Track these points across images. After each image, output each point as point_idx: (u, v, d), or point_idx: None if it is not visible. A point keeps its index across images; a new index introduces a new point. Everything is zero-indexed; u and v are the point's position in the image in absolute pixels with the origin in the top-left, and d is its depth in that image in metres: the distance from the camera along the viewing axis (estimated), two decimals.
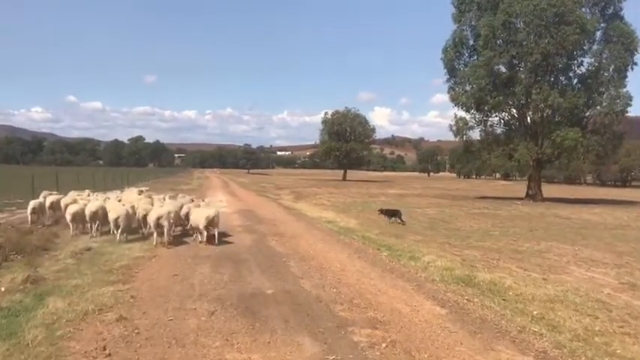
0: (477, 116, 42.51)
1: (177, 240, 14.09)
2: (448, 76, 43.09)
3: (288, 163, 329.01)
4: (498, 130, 43.55)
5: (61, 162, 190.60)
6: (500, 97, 38.67)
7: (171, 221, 13.76)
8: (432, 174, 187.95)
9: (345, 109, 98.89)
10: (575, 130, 35.66)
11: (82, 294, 7.88)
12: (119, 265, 10.23)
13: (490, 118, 42.78)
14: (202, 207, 15.07)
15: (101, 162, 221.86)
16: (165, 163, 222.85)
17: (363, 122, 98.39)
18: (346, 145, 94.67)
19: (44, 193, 18.36)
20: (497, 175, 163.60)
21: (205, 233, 13.54)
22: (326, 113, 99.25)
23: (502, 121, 43.28)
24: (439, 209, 27.96)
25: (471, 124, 42.66)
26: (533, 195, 40.53)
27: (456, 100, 41.57)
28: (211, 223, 13.38)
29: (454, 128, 42.98)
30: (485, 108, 41.03)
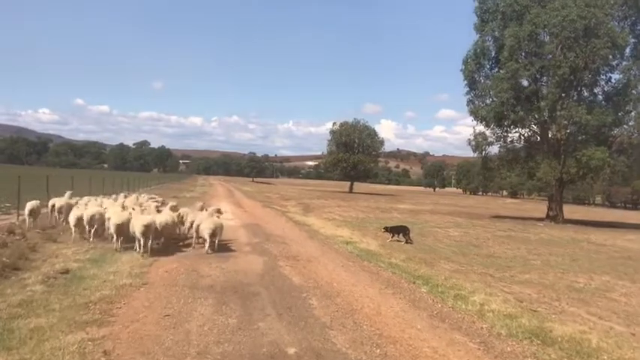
0: (497, 131, 40.50)
1: (175, 256, 12.02)
2: (468, 89, 41.10)
3: (293, 172, 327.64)
4: (518, 147, 41.46)
5: (66, 164, 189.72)
6: (522, 112, 36.65)
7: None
8: (437, 189, 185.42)
9: (354, 120, 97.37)
10: (602, 150, 33.54)
11: (38, 346, 5.81)
12: (99, 297, 8.17)
13: (510, 134, 40.75)
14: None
15: (106, 165, 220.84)
16: (170, 169, 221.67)
17: (371, 134, 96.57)
18: (354, 157, 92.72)
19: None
20: (505, 193, 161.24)
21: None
22: (334, 124, 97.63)
23: (522, 138, 41.23)
24: (461, 230, 25.81)
25: (490, 139, 40.71)
26: (554, 216, 38.26)
27: (475, 114, 39.54)
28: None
29: (473, 143, 40.94)
30: (506, 123, 39.04)
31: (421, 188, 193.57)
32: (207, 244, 13.31)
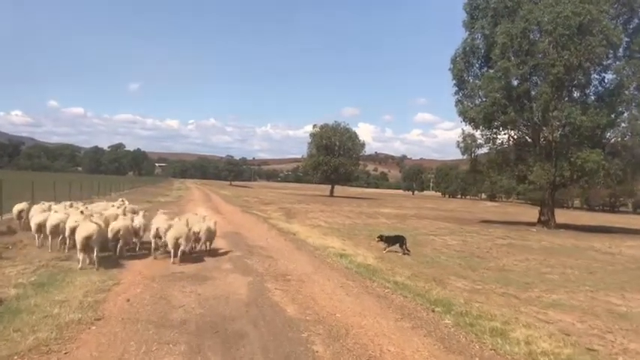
0: (486, 133, 39.02)
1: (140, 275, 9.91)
2: (457, 88, 39.63)
3: (271, 176, 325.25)
4: (508, 149, 40.06)
5: (38, 167, 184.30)
6: (514, 113, 35.17)
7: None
8: (416, 192, 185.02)
9: (335, 122, 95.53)
10: (597, 152, 32.27)
11: None
12: (31, 344, 6.05)
13: (499, 136, 39.31)
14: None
15: (80, 169, 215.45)
16: (146, 172, 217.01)
17: (352, 137, 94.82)
18: (335, 160, 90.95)
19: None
20: (483, 196, 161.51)
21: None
22: (314, 126, 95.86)
23: (512, 140, 39.86)
24: (458, 237, 24.11)
25: (479, 141, 39.26)
26: (546, 221, 36.90)
27: (464, 115, 38.01)
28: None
29: (462, 145, 39.47)
30: (495, 124, 37.64)
31: (400, 191, 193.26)
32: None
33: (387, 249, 16.88)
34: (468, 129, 39.23)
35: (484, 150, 40.79)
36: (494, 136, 39.06)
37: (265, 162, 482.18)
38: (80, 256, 10.88)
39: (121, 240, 12.25)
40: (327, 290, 10.12)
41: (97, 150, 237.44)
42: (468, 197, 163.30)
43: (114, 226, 12.19)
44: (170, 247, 11.95)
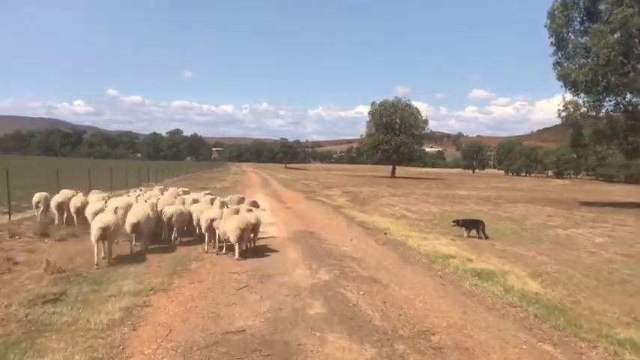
0: (590, 99, 32.51)
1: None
2: (555, 48, 33.23)
3: (325, 157, 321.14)
4: (615, 118, 33.40)
5: (100, 155, 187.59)
6: (633, 73, 28.64)
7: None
8: (476, 171, 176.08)
9: (395, 98, 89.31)
10: None
11: None
12: None
13: (606, 103, 32.75)
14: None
15: (139, 155, 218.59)
16: (203, 157, 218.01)
17: (414, 113, 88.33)
18: (396, 139, 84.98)
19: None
20: (550, 173, 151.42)
21: None
22: (373, 103, 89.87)
23: (621, 107, 33.17)
24: (588, 229, 18.51)
25: (583, 109, 32.84)
26: None
27: (564, 78, 31.64)
28: None
29: (563, 114, 33.15)
30: (597, 89, 31.10)
31: (459, 170, 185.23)
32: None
33: (466, 235, 15.39)
34: (569, 96, 32.93)
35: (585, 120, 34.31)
36: (600, 103, 32.59)
37: (318, 144, 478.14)
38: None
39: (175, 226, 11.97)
40: None
41: (155, 136, 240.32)
42: (532, 175, 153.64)
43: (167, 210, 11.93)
44: (233, 240, 10.37)
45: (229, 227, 10.38)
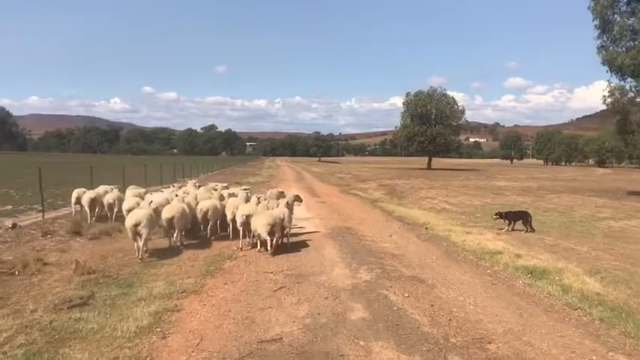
0: (638, 85, 30.87)
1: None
2: (599, 31, 31.58)
3: (359, 150, 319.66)
4: None
5: (137, 151, 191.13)
6: None
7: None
8: (515, 161, 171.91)
9: (430, 88, 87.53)
10: None
11: None
12: None
13: None
14: None
15: (175, 150, 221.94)
16: (237, 152, 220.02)
17: (450, 103, 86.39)
18: (432, 130, 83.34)
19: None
20: (590, 162, 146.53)
21: None
22: (408, 94, 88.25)
23: None
24: (636, 218, 17.41)
25: (630, 94, 31.22)
26: None
27: (610, 63, 30.05)
28: None
29: (608, 101, 31.58)
30: None
31: (497, 160, 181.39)
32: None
33: (510, 228, 14.66)
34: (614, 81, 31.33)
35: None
36: None
37: (352, 136, 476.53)
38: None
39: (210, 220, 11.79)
40: None
41: (190, 132, 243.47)
42: (573, 164, 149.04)
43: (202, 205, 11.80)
44: (263, 236, 10.13)
45: (259, 223, 10.10)
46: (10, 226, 12.28)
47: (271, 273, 8.75)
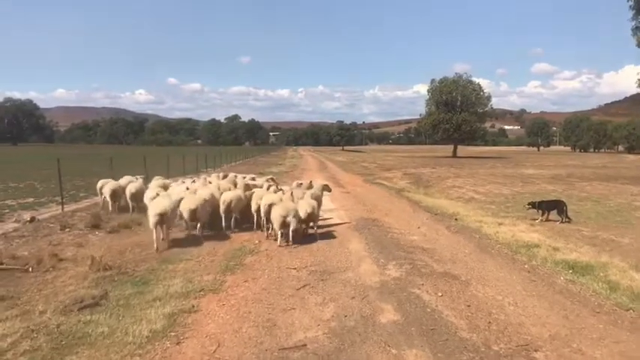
0: None
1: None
2: (634, 12, 30.32)
3: (382, 139, 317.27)
4: None
5: (162, 142, 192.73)
6: None
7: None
8: (541, 148, 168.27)
9: (456, 75, 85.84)
10: None
11: None
12: None
13: None
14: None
15: (199, 141, 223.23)
16: (261, 142, 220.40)
17: (476, 90, 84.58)
18: (457, 117, 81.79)
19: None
20: (620, 148, 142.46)
21: None
22: (432, 81, 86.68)
23: None
24: None
25: None
26: None
27: None
28: None
29: None
30: None
31: (523, 148, 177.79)
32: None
33: (544, 218, 13.92)
34: None
35: None
36: None
37: (375, 125, 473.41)
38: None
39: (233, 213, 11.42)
40: None
41: (214, 122, 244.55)
42: (601, 151, 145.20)
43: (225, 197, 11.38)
44: (276, 227, 10.12)
45: (273, 214, 9.99)
46: (28, 219, 12.07)
47: (294, 269, 8.29)
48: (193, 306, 6.32)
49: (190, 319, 5.90)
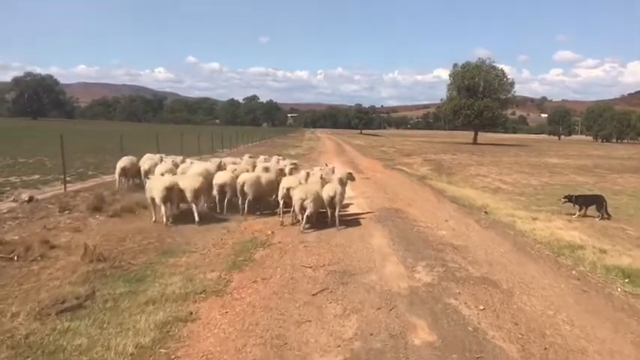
0: None
1: None
2: None
3: (400, 123, 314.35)
4: None
5: (180, 120, 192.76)
6: None
7: None
8: (562, 137, 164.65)
9: (479, 60, 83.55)
10: None
11: None
12: None
13: None
14: None
15: (217, 121, 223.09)
16: (279, 123, 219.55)
17: (499, 75, 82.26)
18: (479, 103, 79.73)
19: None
20: None
21: None
22: (455, 65, 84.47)
23: None
24: None
25: None
26: None
27: None
28: None
29: None
30: None
31: (544, 136, 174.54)
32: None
33: (580, 213, 13.01)
34: None
35: None
36: None
37: (394, 109, 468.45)
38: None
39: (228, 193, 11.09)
40: None
41: (232, 102, 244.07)
42: (624, 141, 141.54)
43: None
44: (296, 210, 9.88)
45: (294, 198, 9.79)
46: (26, 199, 11.25)
47: (310, 268, 7.32)
48: (191, 312, 5.41)
49: (186, 330, 4.98)
